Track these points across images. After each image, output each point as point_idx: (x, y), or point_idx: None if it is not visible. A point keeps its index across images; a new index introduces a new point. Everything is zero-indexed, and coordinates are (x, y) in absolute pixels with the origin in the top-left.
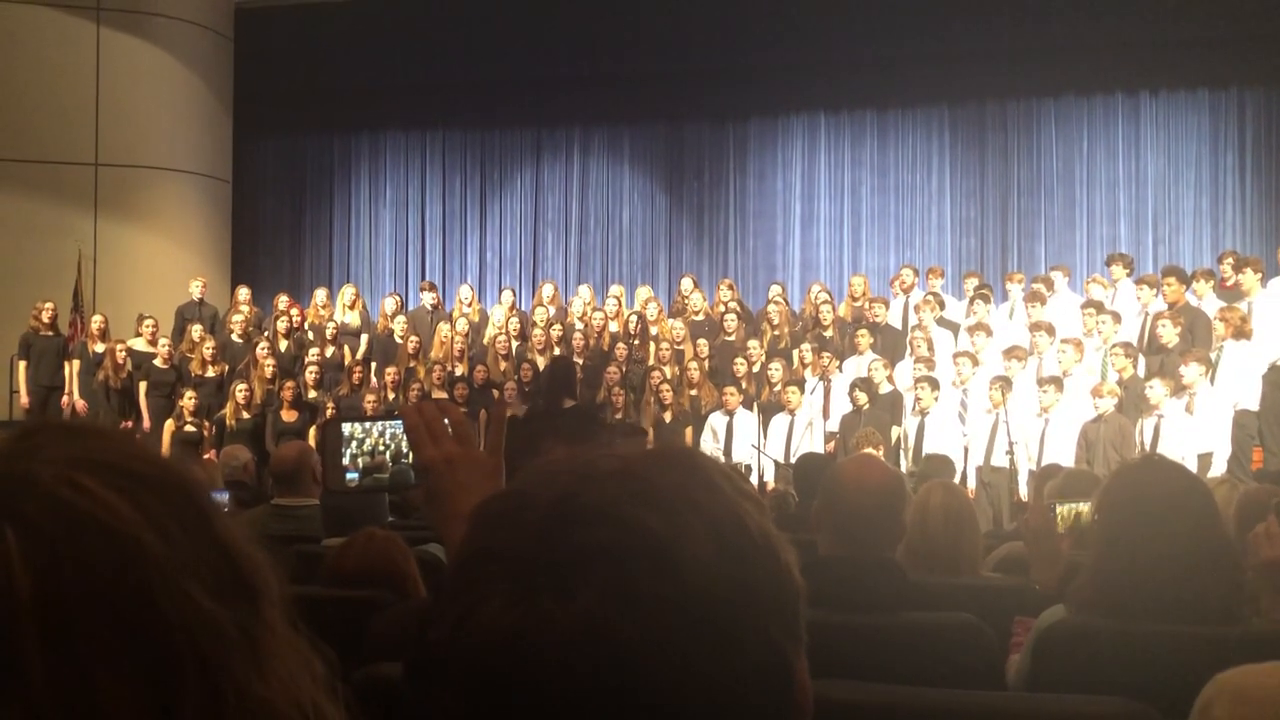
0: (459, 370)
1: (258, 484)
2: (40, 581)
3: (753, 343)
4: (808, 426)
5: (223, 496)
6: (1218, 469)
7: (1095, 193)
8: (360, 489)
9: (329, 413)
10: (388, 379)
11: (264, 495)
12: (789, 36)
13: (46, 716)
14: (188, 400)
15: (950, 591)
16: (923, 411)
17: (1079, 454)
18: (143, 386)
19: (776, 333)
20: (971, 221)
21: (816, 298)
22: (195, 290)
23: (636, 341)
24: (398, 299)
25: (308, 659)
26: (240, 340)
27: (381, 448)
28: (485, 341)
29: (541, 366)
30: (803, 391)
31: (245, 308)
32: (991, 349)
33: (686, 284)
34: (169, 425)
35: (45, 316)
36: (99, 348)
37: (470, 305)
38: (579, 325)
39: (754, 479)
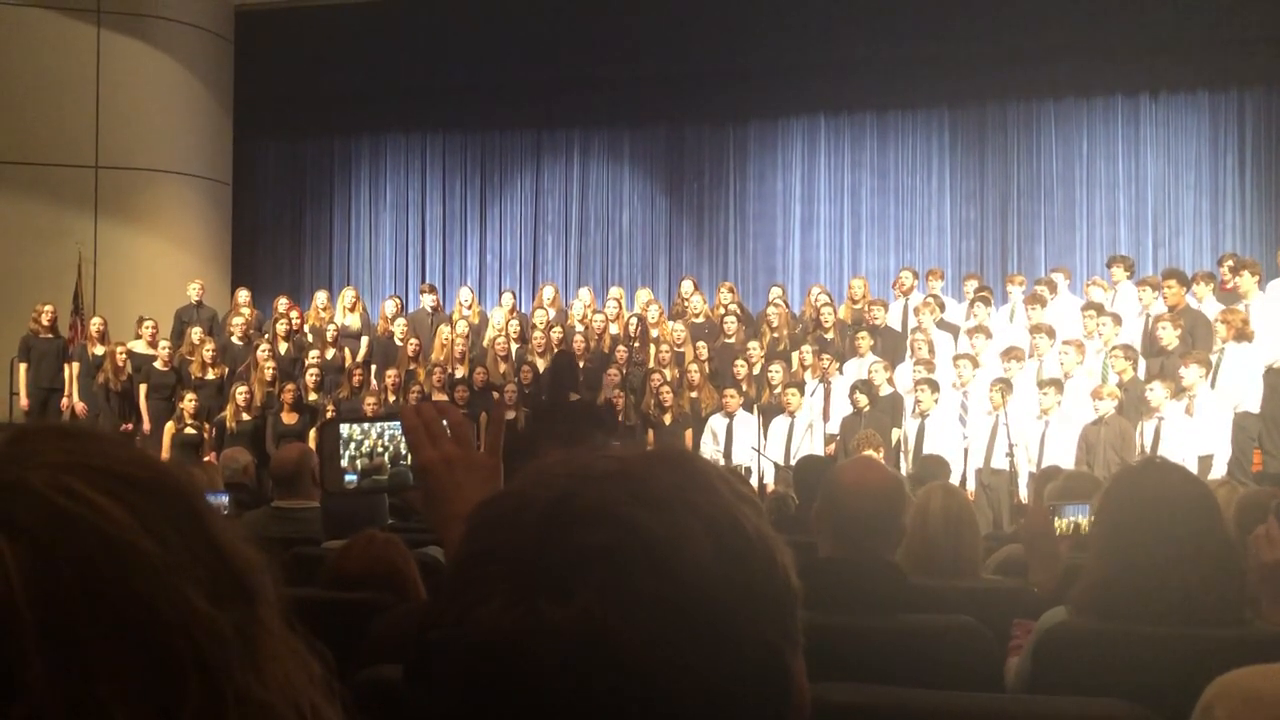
0: (459, 372)
1: (258, 486)
2: (35, 587)
3: (753, 345)
4: (808, 429)
5: (222, 499)
6: (1218, 471)
7: (1095, 195)
8: (359, 490)
9: (329, 415)
10: (388, 381)
11: (264, 497)
12: (789, 39)
13: None
14: (188, 403)
15: (949, 594)
16: (923, 414)
17: (1079, 456)
18: (143, 389)
19: (776, 335)
20: (971, 223)
21: (816, 300)
22: (193, 292)
23: (637, 344)
24: (398, 301)
25: (305, 660)
26: (240, 343)
27: (380, 449)
28: (485, 344)
29: (541, 369)
30: (803, 394)
31: (245, 310)
32: (991, 351)
33: (687, 286)
34: (169, 428)
35: (45, 319)
36: (99, 350)
37: (470, 307)
38: (579, 327)
39: (754, 481)
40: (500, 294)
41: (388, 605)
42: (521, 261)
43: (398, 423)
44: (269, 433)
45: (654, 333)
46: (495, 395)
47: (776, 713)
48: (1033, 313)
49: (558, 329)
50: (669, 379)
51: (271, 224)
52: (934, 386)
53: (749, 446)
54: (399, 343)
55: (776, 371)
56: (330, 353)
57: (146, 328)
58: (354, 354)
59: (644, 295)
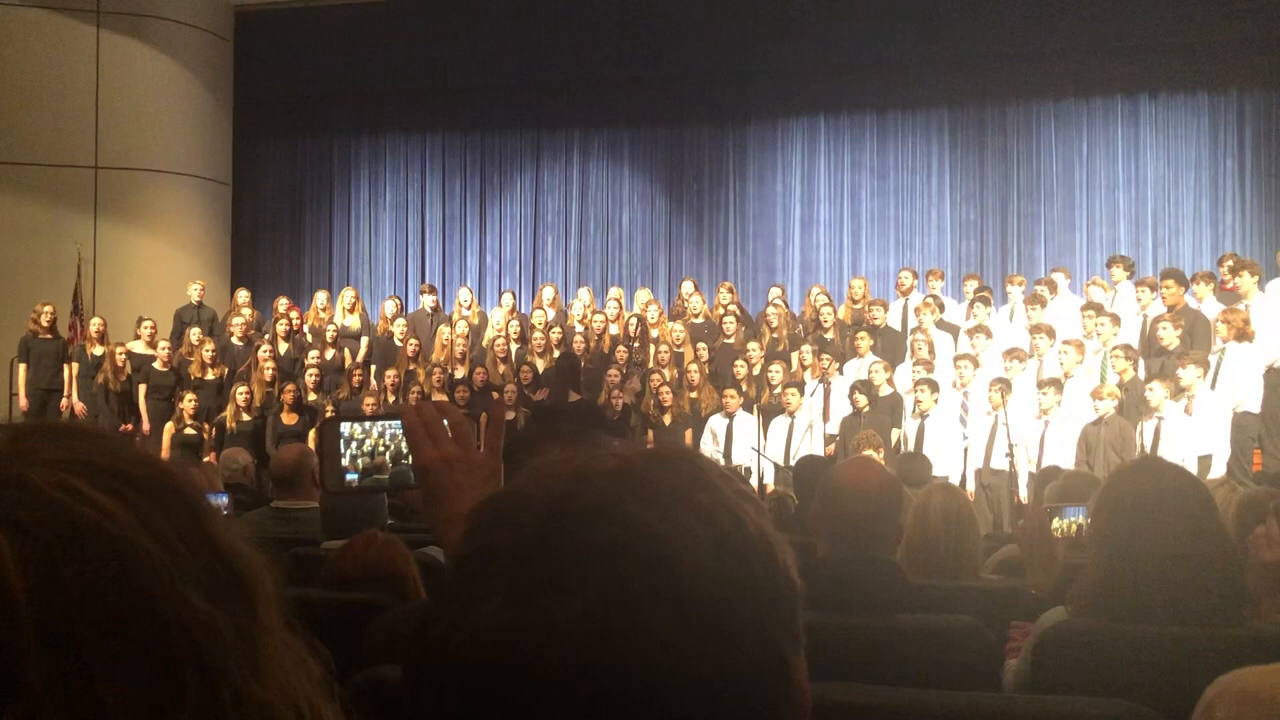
0: (459, 373)
1: (257, 487)
2: (35, 586)
3: (752, 345)
4: (807, 429)
5: (222, 499)
6: (1218, 471)
7: (1095, 195)
8: (360, 489)
9: (328, 415)
10: (387, 381)
11: (263, 498)
12: (788, 39)
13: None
14: (187, 403)
15: (948, 593)
16: (923, 414)
17: (1079, 456)
18: (142, 389)
19: (776, 335)
20: (971, 224)
21: (816, 300)
22: (194, 293)
23: (637, 344)
24: (398, 301)
25: (304, 660)
26: (240, 343)
27: (381, 448)
28: (485, 344)
29: (541, 369)
30: (802, 394)
31: (245, 310)
32: (991, 351)
33: (686, 287)
34: (169, 428)
35: (44, 319)
36: (98, 350)
37: (470, 308)
38: (579, 328)
39: (754, 481)
40: (500, 294)
41: (387, 606)
42: (521, 262)
43: (398, 422)
44: (269, 433)
45: (654, 333)
46: (495, 395)
47: (777, 712)
48: (1033, 313)
49: (557, 329)
50: (668, 379)
51: (271, 224)
52: (934, 387)
53: (749, 447)
54: (398, 343)
55: (776, 372)
56: (330, 353)
57: (145, 328)
58: (354, 354)
59: (643, 295)
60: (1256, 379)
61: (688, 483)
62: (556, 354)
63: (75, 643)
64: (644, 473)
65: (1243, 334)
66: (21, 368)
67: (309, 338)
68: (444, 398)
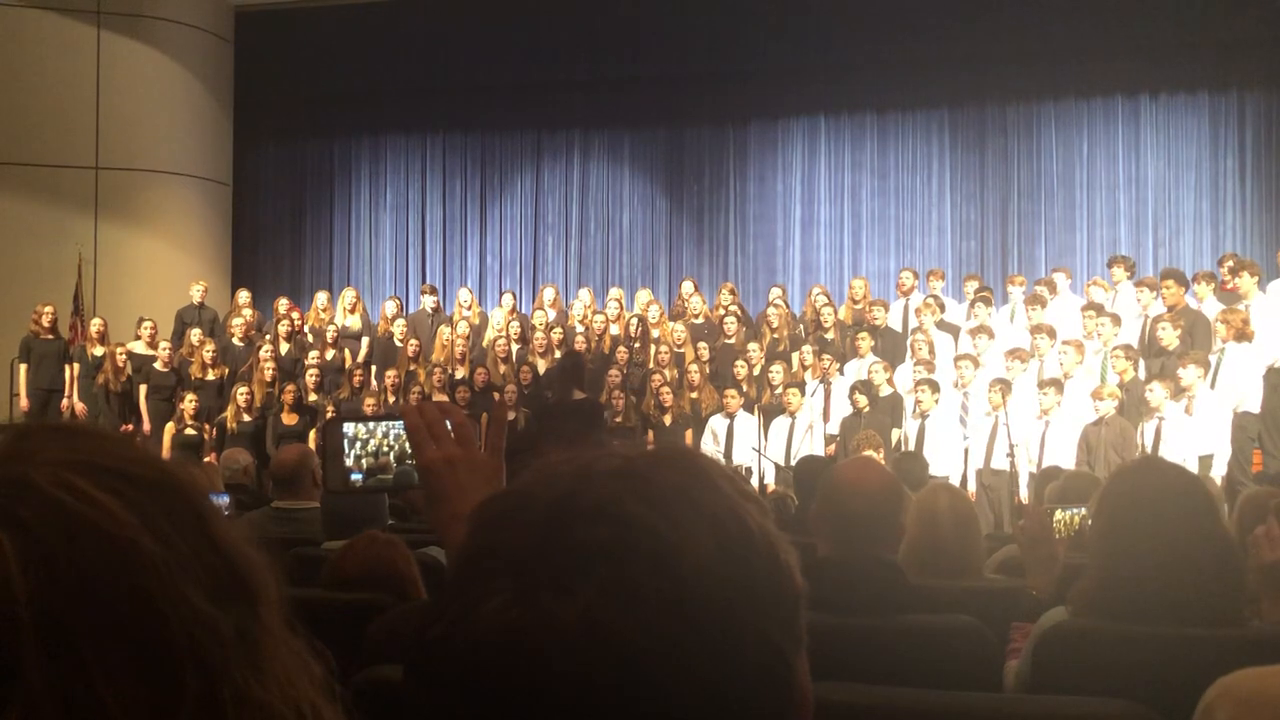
0: (459, 373)
1: (258, 487)
2: (37, 585)
3: (752, 345)
4: (808, 429)
5: (223, 499)
6: (1218, 471)
7: (1095, 195)
8: (363, 489)
9: (329, 416)
10: (388, 382)
11: (264, 498)
12: (789, 40)
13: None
14: (188, 403)
15: (949, 593)
16: (923, 414)
17: (1080, 456)
18: (143, 390)
19: (776, 335)
20: (972, 224)
21: (816, 300)
22: (196, 294)
23: (637, 344)
24: (398, 302)
25: (305, 661)
26: (241, 344)
27: (385, 448)
28: (485, 345)
29: (542, 369)
30: (803, 394)
31: (246, 311)
32: (992, 351)
33: (687, 287)
34: (169, 428)
35: (46, 320)
36: (99, 351)
37: (470, 308)
38: (579, 328)
39: (754, 481)
40: (500, 295)
41: (388, 606)
42: (522, 262)
43: (401, 422)
44: (269, 433)
45: (654, 333)
46: (496, 396)
47: (779, 712)
48: (1033, 313)
49: (558, 330)
50: (669, 379)
51: (271, 225)
52: (934, 387)
53: (749, 447)
54: (399, 343)
55: (777, 372)
56: (330, 353)
57: (146, 329)
58: (354, 355)
59: (644, 296)
60: (1256, 379)
61: (690, 483)
62: (558, 354)
63: (76, 642)
64: (647, 472)
65: (1242, 334)
66: (23, 368)
67: (310, 338)
68: (445, 398)
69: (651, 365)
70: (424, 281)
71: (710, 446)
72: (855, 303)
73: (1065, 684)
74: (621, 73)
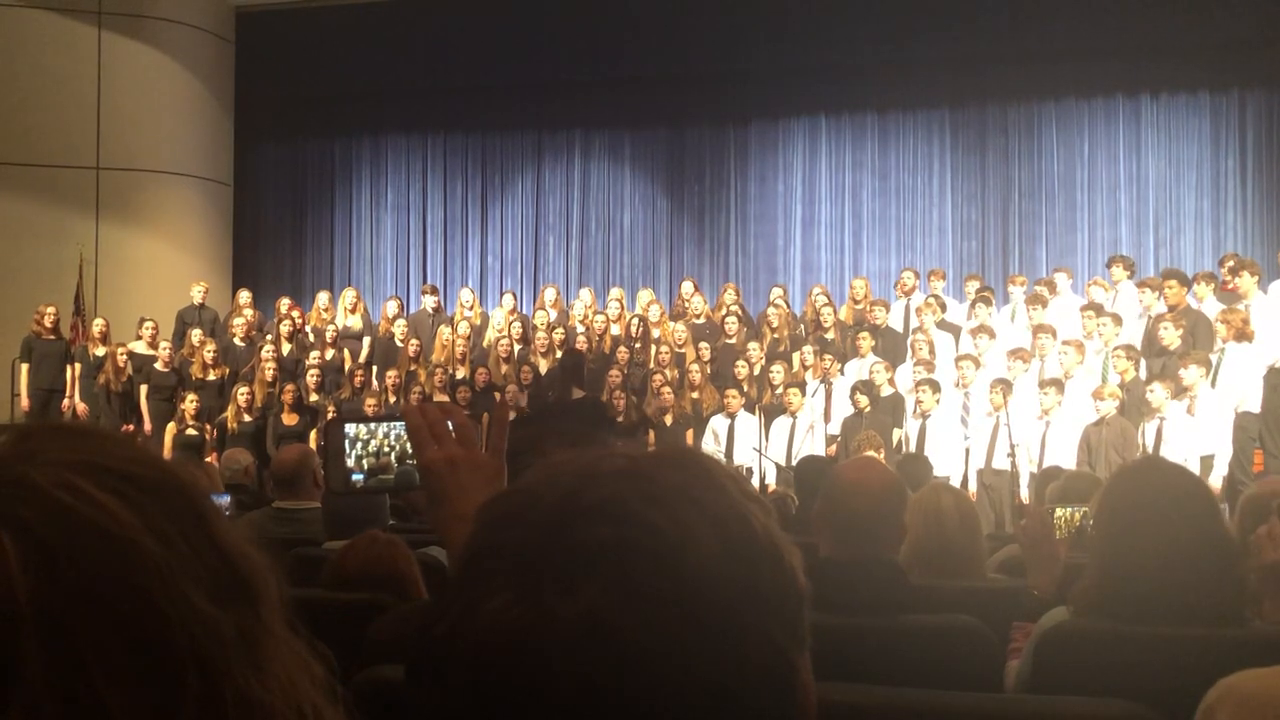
0: (460, 373)
1: (258, 487)
2: (38, 585)
3: (753, 345)
4: (809, 429)
5: (223, 500)
6: (1219, 471)
7: (1096, 195)
8: (365, 489)
9: (330, 416)
10: (389, 382)
11: (265, 498)
12: (789, 40)
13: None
14: (189, 404)
15: (950, 594)
16: (924, 414)
17: (1080, 456)
18: (143, 390)
19: (776, 335)
20: (972, 224)
21: (817, 300)
22: (196, 294)
23: (638, 344)
24: (399, 302)
25: (307, 662)
26: (242, 343)
27: (386, 449)
28: (486, 345)
29: (543, 369)
30: (804, 394)
31: (247, 311)
32: (993, 351)
33: (687, 287)
34: (170, 428)
35: (48, 320)
36: (100, 351)
37: (472, 309)
38: (580, 328)
39: (755, 481)
40: (501, 295)
41: (389, 606)
42: (522, 262)
43: (402, 422)
44: (269, 434)
45: (655, 333)
46: (497, 396)
47: (782, 712)
48: (1034, 313)
49: (559, 330)
50: (670, 379)
51: (272, 225)
52: (935, 387)
53: (750, 447)
54: (399, 343)
55: (778, 372)
56: (330, 353)
57: (146, 329)
58: (354, 355)
59: (645, 296)
60: (1256, 379)
61: (695, 483)
62: (559, 354)
63: (77, 642)
64: (651, 472)
65: (1242, 334)
66: (24, 368)
67: (311, 338)
68: (445, 398)
69: (652, 365)
70: (425, 281)
71: (711, 447)
72: (856, 303)
73: (1066, 684)
74: (622, 73)
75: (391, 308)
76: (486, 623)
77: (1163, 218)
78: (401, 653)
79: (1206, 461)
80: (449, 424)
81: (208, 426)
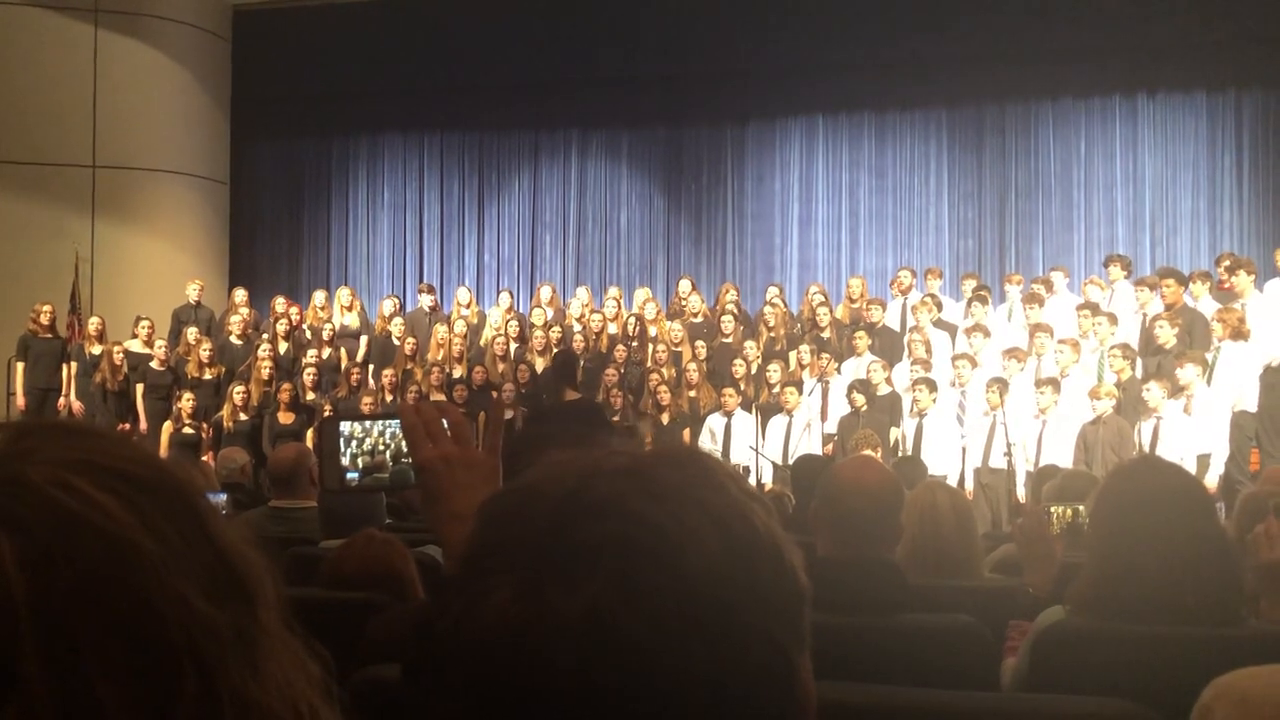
0: (457, 372)
1: (255, 486)
2: (35, 584)
3: (750, 344)
4: (806, 428)
5: (220, 499)
6: (1216, 470)
7: (1093, 194)
8: (360, 488)
9: (326, 414)
10: (385, 381)
11: (261, 497)
12: (787, 39)
13: (42, 719)
14: (185, 402)
15: (947, 593)
16: (920, 413)
17: (1077, 455)
18: (139, 389)
19: (773, 334)
20: (969, 223)
21: (814, 299)
22: (193, 293)
23: (635, 343)
24: (396, 301)
25: (303, 661)
26: (239, 342)
27: (381, 447)
28: (483, 343)
29: (540, 368)
30: (800, 393)
31: (243, 309)
32: (989, 350)
33: (684, 285)
34: (166, 427)
35: (44, 319)
36: (96, 349)
37: (468, 307)
38: (577, 327)
39: (752, 480)
40: (498, 294)
41: (386, 605)
42: (519, 261)
43: (398, 421)
44: (265, 432)
45: (651, 331)
46: (494, 394)
47: (782, 711)
48: (1031, 312)
49: (556, 329)
50: (666, 378)
51: (269, 224)
52: (931, 386)
53: (747, 446)
54: (396, 342)
55: (774, 371)
56: (327, 352)
57: (143, 327)
58: (351, 354)
59: (642, 295)
60: (1253, 378)
61: (696, 481)
62: (556, 353)
63: (72, 641)
64: (653, 471)
65: (1238, 333)
66: (19, 366)
67: (308, 335)
68: (442, 397)
69: (649, 364)
70: (421, 280)
71: (708, 445)
72: (853, 301)
73: (1063, 683)
74: (620, 72)
75: (388, 306)
76: (488, 619)
77: (1159, 217)
78: (398, 652)
79: (1203, 460)
80: (444, 422)
81: (204, 425)
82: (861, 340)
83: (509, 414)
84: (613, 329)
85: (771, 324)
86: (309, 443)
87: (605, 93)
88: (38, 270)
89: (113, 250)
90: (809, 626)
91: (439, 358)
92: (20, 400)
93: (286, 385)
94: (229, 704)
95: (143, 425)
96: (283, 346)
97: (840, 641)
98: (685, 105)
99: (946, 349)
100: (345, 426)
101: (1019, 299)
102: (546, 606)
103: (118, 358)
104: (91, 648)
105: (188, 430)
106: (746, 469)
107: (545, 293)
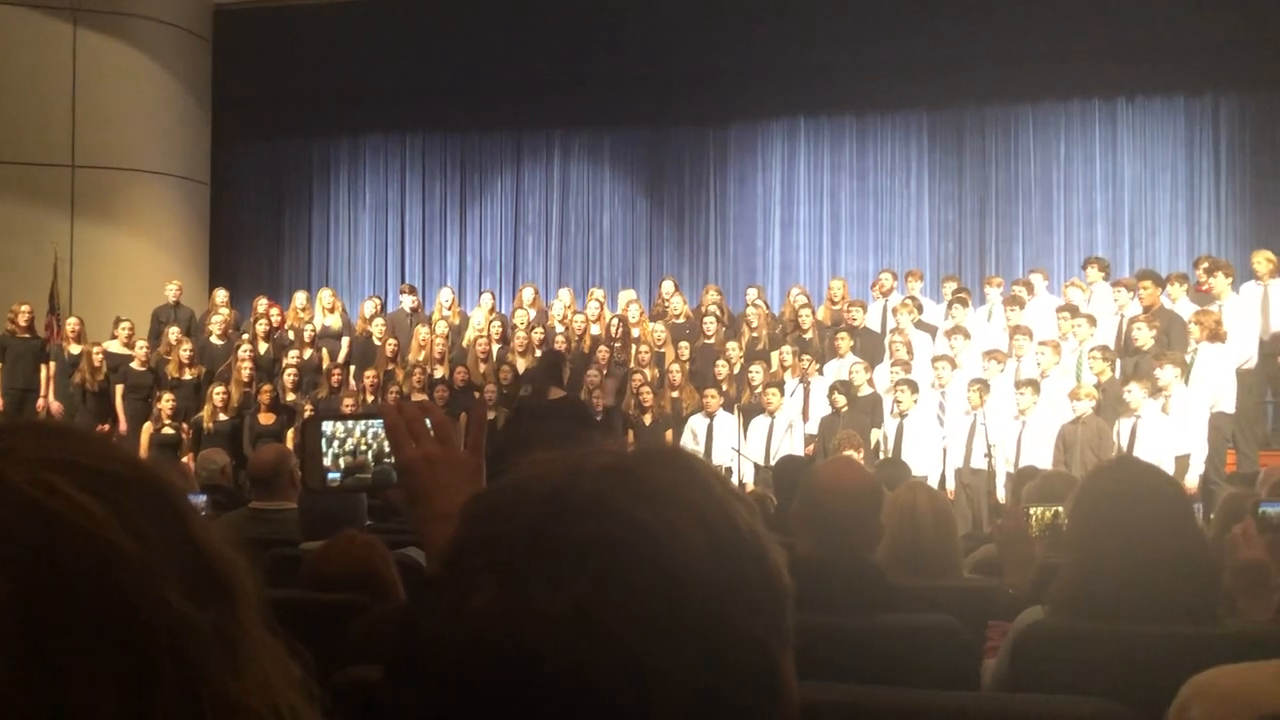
0: (439, 373)
1: (235, 487)
2: (13, 584)
3: (732, 345)
4: (787, 429)
5: (199, 500)
6: (1195, 471)
7: (1072, 197)
8: (341, 488)
9: (307, 415)
10: (366, 382)
11: (241, 498)
12: (769, 41)
13: (20, 719)
14: (165, 403)
15: (927, 593)
16: (902, 414)
17: (1057, 456)
18: (119, 389)
19: (755, 335)
20: (950, 225)
21: (795, 301)
22: (171, 293)
23: (618, 344)
24: (377, 302)
25: (284, 662)
26: (220, 343)
27: (364, 447)
28: (465, 344)
29: (522, 369)
30: (782, 394)
31: (224, 310)
32: (970, 352)
33: (667, 287)
34: (147, 428)
35: (22, 319)
36: (75, 349)
37: (450, 308)
38: (560, 328)
39: (734, 481)
40: (480, 295)
41: (367, 607)
42: (502, 262)
43: (380, 421)
44: (246, 433)
45: (634, 333)
46: (476, 395)
47: (765, 710)
48: (1011, 314)
49: (539, 330)
50: (649, 379)
51: (250, 224)
52: (913, 387)
53: (729, 447)
54: (377, 343)
55: (756, 372)
56: (308, 353)
57: (123, 328)
58: (333, 354)
59: (627, 296)
60: (1230, 379)
61: (681, 480)
62: (538, 354)
63: (53, 642)
64: (638, 469)
65: (1215, 335)
66: None
67: (290, 336)
68: (424, 398)
69: (632, 365)
70: (403, 281)
71: (690, 447)
72: (834, 303)
73: (1043, 682)
74: (602, 73)
75: (369, 307)
76: (472, 618)
77: (1138, 219)
78: (380, 653)
79: (1181, 461)
80: (427, 422)
81: (184, 426)
82: (843, 341)
83: (491, 414)
84: (595, 330)
85: (754, 325)
86: (290, 444)
87: (588, 94)
88: (16, 270)
89: (92, 250)
90: (792, 626)
91: (420, 359)
92: None
93: (267, 386)
94: (209, 705)
95: (122, 426)
96: (263, 347)
97: (821, 641)
98: (667, 107)
99: (927, 350)
100: (327, 426)
101: (999, 301)
102: (531, 605)
103: (97, 358)
104: (68, 648)
105: (168, 431)
106: (729, 470)
107: (527, 294)
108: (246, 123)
